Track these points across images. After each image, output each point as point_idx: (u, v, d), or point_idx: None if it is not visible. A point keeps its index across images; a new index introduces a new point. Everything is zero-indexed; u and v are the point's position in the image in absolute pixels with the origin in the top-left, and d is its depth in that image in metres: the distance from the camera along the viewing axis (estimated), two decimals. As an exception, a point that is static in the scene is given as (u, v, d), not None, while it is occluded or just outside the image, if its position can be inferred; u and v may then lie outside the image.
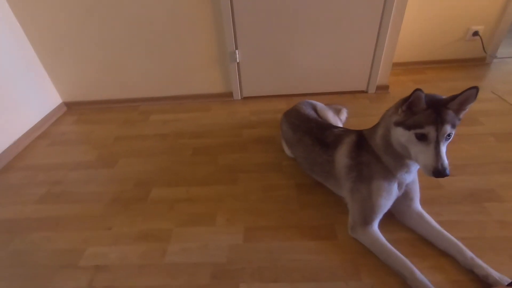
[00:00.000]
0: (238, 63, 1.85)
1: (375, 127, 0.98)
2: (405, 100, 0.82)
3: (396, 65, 2.11)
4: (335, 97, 1.89)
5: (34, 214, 1.20)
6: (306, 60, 1.83)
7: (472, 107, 1.73)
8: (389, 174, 0.93)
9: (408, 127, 0.81)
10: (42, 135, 1.78)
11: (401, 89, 1.95)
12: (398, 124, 0.84)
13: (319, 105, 1.45)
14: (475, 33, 2.06)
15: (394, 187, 0.94)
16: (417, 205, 1.00)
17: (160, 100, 2.02)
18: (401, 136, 0.84)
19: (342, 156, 1.05)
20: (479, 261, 0.84)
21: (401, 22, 1.68)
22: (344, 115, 1.61)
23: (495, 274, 0.81)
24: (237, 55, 1.80)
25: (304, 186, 1.22)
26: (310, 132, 1.22)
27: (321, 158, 1.13)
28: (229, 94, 1.99)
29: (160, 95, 2.01)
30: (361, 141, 1.01)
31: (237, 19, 1.68)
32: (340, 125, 1.40)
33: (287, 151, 1.40)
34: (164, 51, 1.83)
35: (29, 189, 1.34)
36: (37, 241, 1.08)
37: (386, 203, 0.94)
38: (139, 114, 1.92)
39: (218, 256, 0.97)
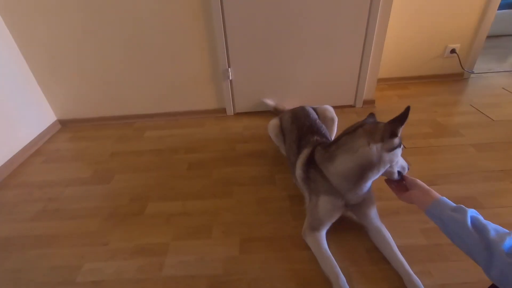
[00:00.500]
0: (230, 81, 1.92)
1: (332, 158, 0.95)
2: (395, 123, 0.82)
3: (381, 80, 2.23)
4: (325, 112, 1.97)
5: (30, 232, 1.20)
6: (296, 77, 1.92)
7: (453, 120, 1.85)
8: (336, 192, 0.97)
9: (400, 144, 0.87)
10: (37, 152, 1.78)
11: (387, 103, 2.05)
12: (395, 147, 0.85)
13: (318, 106, 1.51)
14: (453, 51, 2.20)
15: (340, 204, 0.99)
16: (374, 220, 1.03)
17: (154, 116, 2.06)
18: (396, 155, 0.87)
19: (298, 166, 1.13)
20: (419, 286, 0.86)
21: (383, 41, 1.79)
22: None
23: None
24: (230, 73, 1.88)
25: (296, 197, 1.26)
26: (300, 128, 1.28)
27: (294, 158, 1.20)
28: (222, 110, 2.05)
29: (154, 111, 2.05)
30: (311, 158, 1.06)
31: (229, 39, 1.76)
32: (336, 120, 1.46)
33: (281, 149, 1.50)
34: (159, 69, 1.89)
35: (24, 206, 1.34)
36: (34, 258, 1.08)
37: (330, 217, 1.01)
38: (134, 130, 1.96)
39: (214, 268, 0.99)
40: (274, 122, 1.49)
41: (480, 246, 0.61)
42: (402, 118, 0.81)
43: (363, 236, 1.05)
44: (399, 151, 0.87)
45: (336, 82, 1.94)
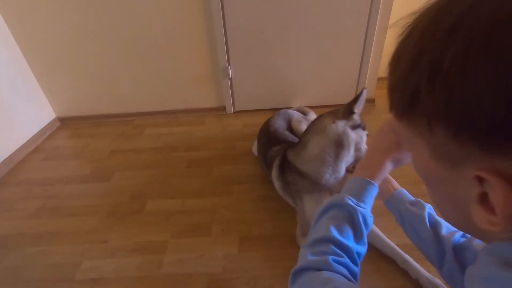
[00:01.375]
0: (230, 79, 1.92)
1: (305, 145, 1.00)
2: (351, 102, 0.92)
3: (381, 79, 2.21)
4: (324, 110, 1.96)
5: (29, 229, 1.20)
6: (296, 75, 1.91)
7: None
8: (317, 186, 0.98)
9: (363, 126, 0.95)
10: (36, 149, 1.78)
11: (387, 102, 2.03)
12: (357, 125, 0.94)
13: (295, 117, 1.49)
14: (453, 50, 2.19)
15: (325, 197, 0.99)
16: None
17: (154, 114, 2.06)
18: (361, 137, 0.95)
19: (274, 178, 1.14)
20: (413, 264, 0.90)
21: (384, 40, 1.78)
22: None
23: (426, 274, 0.87)
24: (230, 71, 1.87)
25: (296, 196, 1.26)
26: (262, 147, 1.30)
27: (269, 176, 1.20)
28: (222, 108, 2.05)
29: (154, 109, 2.05)
30: (284, 163, 1.08)
31: (229, 37, 1.76)
32: None
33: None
34: (159, 67, 1.88)
35: (23, 204, 1.34)
36: (33, 256, 1.09)
37: None
38: (133, 128, 1.95)
39: (213, 266, 1.00)
40: (255, 146, 1.51)
41: (434, 241, 0.62)
42: (356, 98, 0.91)
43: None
44: (362, 134, 0.95)
45: (336, 81, 1.94)
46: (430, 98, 0.24)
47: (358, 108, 0.91)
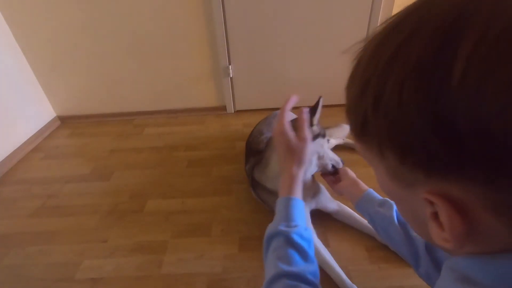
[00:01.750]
0: (231, 78, 1.91)
1: (267, 163, 1.01)
2: (310, 116, 0.85)
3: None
4: (326, 110, 1.95)
5: (28, 228, 1.20)
6: (297, 74, 1.91)
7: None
8: None
9: (323, 134, 0.91)
10: (36, 149, 1.78)
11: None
12: (317, 135, 0.88)
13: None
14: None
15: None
16: (330, 204, 1.07)
17: (154, 113, 2.05)
18: (321, 145, 0.91)
19: (255, 196, 1.16)
20: None
21: (385, 40, 1.78)
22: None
23: None
24: (230, 70, 1.87)
25: (296, 196, 1.26)
26: (244, 159, 1.31)
27: None
28: (223, 108, 2.05)
29: (154, 108, 2.04)
30: (254, 182, 1.10)
31: (230, 36, 1.75)
32: None
33: None
34: (159, 66, 1.88)
35: (23, 203, 1.34)
36: (32, 255, 1.08)
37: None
38: (134, 127, 1.95)
39: (214, 266, 0.99)
40: None
41: (405, 241, 0.62)
42: (313, 108, 0.88)
43: (363, 235, 1.05)
44: (323, 142, 0.91)
45: (337, 81, 1.91)
46: (376, 125, 0.25)
47: (316, 119, 0.88)
